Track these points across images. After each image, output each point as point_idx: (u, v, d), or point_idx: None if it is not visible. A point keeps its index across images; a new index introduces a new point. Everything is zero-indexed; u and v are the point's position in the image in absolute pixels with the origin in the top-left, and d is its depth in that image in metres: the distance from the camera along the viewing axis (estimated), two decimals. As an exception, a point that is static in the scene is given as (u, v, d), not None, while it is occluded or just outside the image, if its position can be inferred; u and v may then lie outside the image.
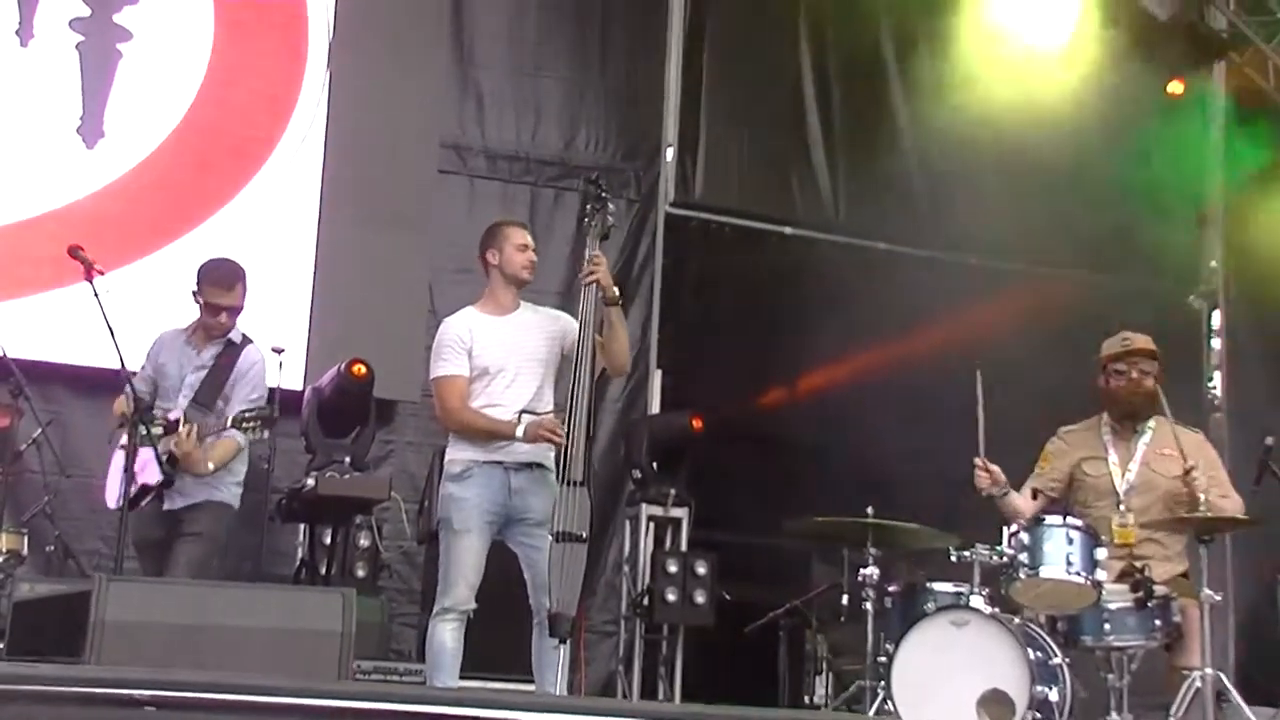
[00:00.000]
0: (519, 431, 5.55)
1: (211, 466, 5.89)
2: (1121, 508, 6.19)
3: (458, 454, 5.71)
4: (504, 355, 5.71)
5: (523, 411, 5.62)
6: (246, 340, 6.21)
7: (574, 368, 5.52)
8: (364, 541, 7.47)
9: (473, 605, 5.56)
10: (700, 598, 8.04)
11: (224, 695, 2.36)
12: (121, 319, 5.79)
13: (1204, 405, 9.31)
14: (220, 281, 6.11)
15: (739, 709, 4.59)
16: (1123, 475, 6.26)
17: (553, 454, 5.66)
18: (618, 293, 5.71)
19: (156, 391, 6.10)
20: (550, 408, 5.70)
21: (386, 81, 8.34)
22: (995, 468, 6.14)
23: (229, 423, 5.83)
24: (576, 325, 5.69)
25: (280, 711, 2.41)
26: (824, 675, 8.05)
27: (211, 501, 5.99)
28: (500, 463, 5.64)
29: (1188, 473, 6.02)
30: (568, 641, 5.37)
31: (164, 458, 5.72)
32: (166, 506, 5.95)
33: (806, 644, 8.22)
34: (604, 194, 5.77)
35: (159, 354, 6.18)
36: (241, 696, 2.37)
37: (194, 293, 6.12)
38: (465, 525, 5.59)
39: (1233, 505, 6.09)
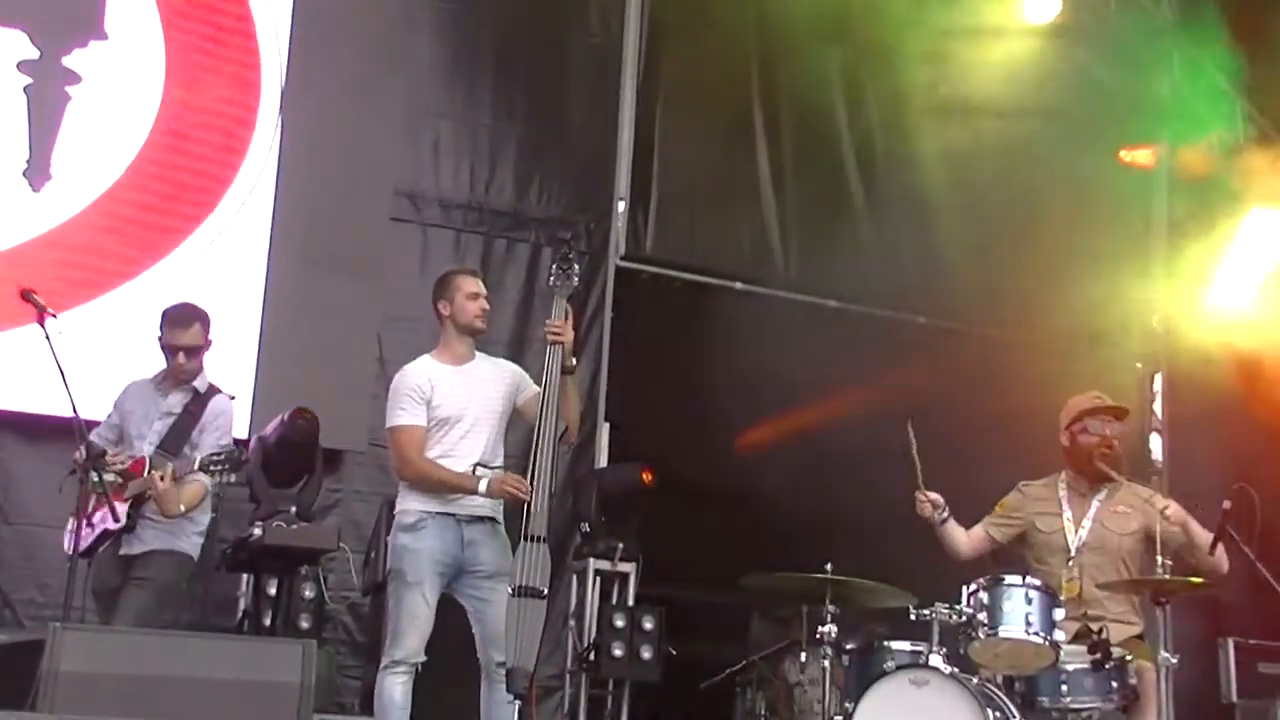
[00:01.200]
0: (481, 487, 5.52)
1: (183, 508, 5.80)
2: (1070, 564, 6.22)
3: (410, 504, 5.69)
4: (463, 405, 5.71)
5: (478, 464, 5.61)
6: (215, 390, 6.15)
7: (538, 424, 5.50)
8: (308, 593, 7.37)
9: (423, 658, 5.54)
10: (647, 653, 7.98)
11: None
12: (66, 363, 5.72)
13: (1146, 468, 9.40)
14: (177, 321, 6.07)
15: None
16: (1075, 532, 6.30)
17: (501, 507, 5.65)
18: (574, 362, 5.74)
19: (121, 439, 6.02)
20: (502, 460, 5.69)
21: (339, 129, 8.29)
22: (934, 495, 6.32)
23: (195, 465, 5.74)
24: (527, 378, 5.75)
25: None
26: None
27: (171, 550, 5.89)
28: (453, 515, 5.64)
29: (1163, 512, 6.07)
30: (522, 697, 5.32)
31: (127, 500, 5.62)
32: (124, 551, 5.84)
33: (748, 701, 8.21)
34: (571, 255, 5.79)
35: (125, 401, 6.12)
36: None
37: (158, 338, 6.07)
38: (418, 577, 5.57)
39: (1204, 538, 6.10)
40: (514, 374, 5.87)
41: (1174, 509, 6.24)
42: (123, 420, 6.08)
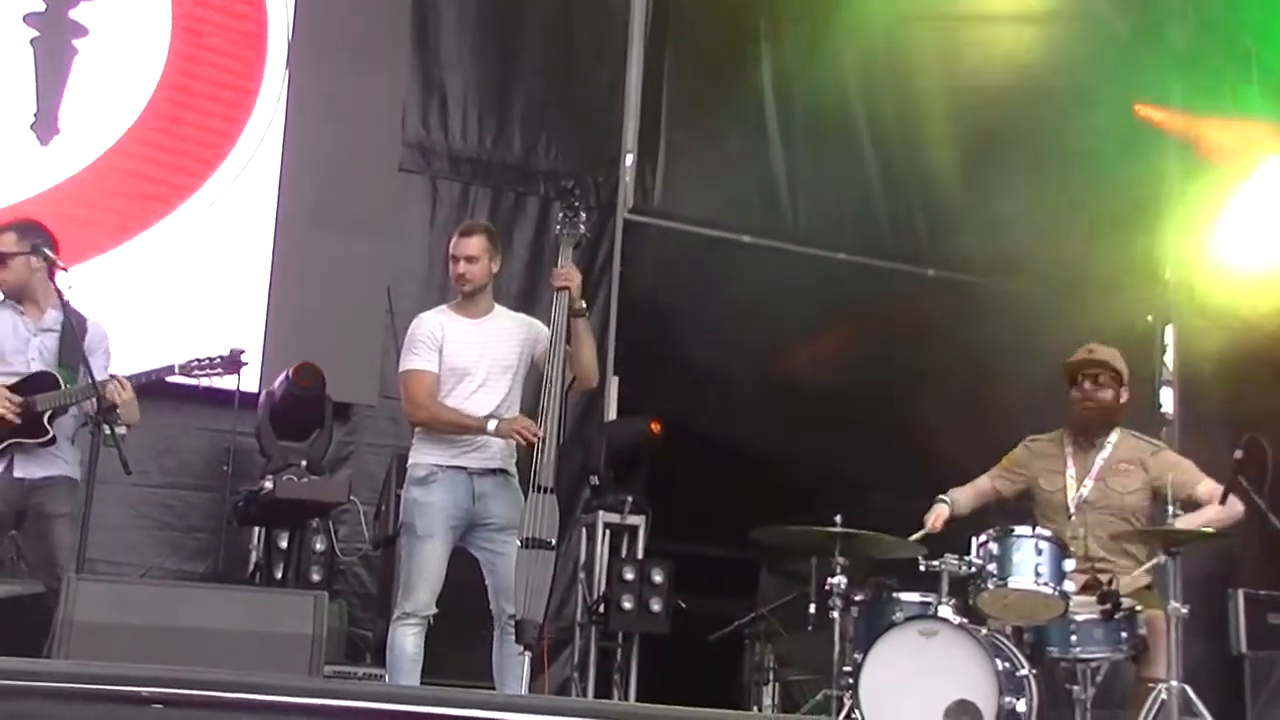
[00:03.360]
0: (490, 426, 5.51)
1: (137, 419, 5.70)
2: (1073, 521, 6.22)
3: (421, 458, 5.68)
4: (474, 359, 5.69)
5: (490, 416, 5.60)
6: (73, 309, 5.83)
7: (545, 375, 5.49)
8: (319, 545, 7.41)
9: (434, 610, 5.54)
10: (656, 606, 8.00)
11: (233, 694, 2.29)
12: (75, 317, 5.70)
13: (1155, 421, 9.38)
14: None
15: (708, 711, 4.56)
16: (1077, 490, 6.30)
17: (514, 460, 5.65)
18: (584, 305, 5.70)
19: None
20: (517, 414, 5.67)
21: (347, 81, 8.25)
22: (937, 516, 6.35)
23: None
24: (546, 331, 5.68)
25: (291, 711, 2.35)
26: (770, 685, 8.07)
27: (66, 477, 5.66)
28: (464, 468, 5.62)
29: (1155, 494, 6.08)
30: (533, 648, 5.33)
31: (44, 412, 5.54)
32: (19, 474, 5.62)
33: (756, 654, 8.24)
34: (577, 203, 5.76)
35: None
36: (251, 695, 2.30)
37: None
38: (429, 530, 5.57)
39: (1206, 489, 6.12)
40: (531, 327, 5.84)
41: (1164, 456, 6.31)
42: None
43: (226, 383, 6.30)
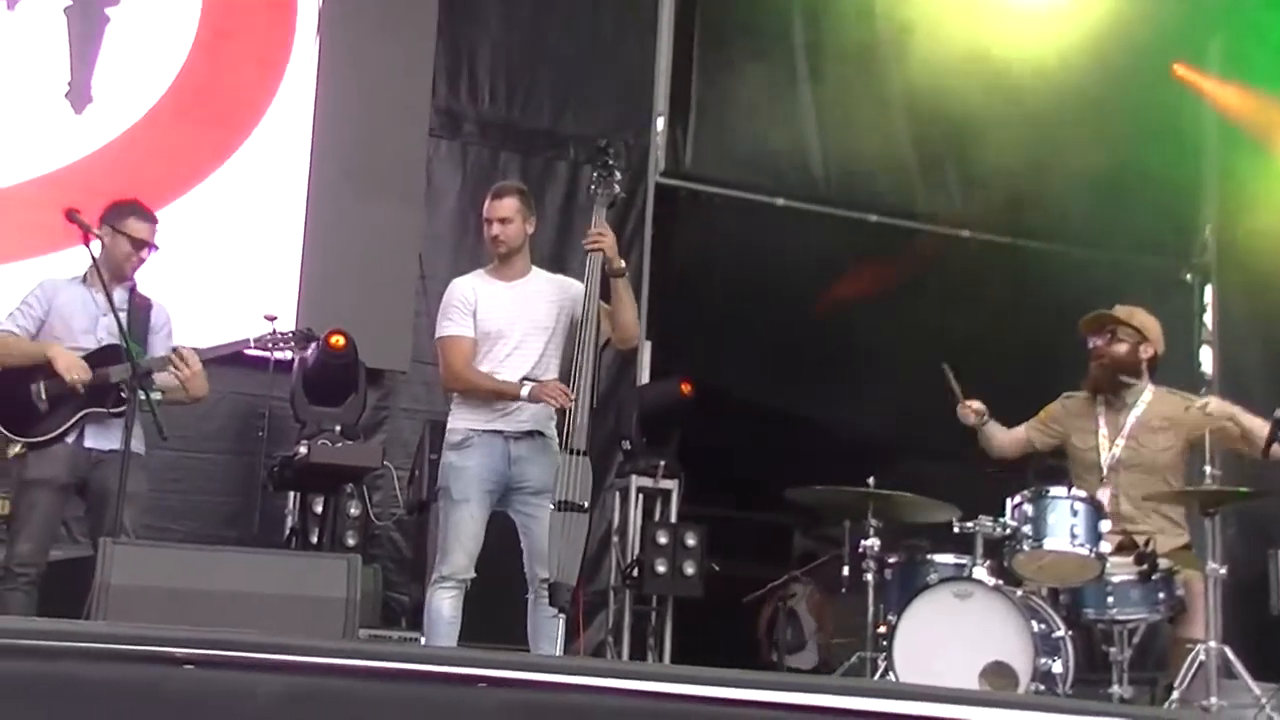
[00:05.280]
0: (524, 391, 5.50)
1: (205, 391, 5.83)
2: (1104, 481, 6.19)
3: (458, 422, 5.68)
4: (507, 321, 5.67)
5: (525, 379, 5.58)
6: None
7: (578, 336, 5.47)
8: (354, 510, 7.43)
9: (471, 574, 5.53)
10: (690, 569, 8.00)
11: (266, 656, 2.30)
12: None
13: (1194, 380, 9.32)
14: (147, 216, 5.97)
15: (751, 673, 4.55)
16: (1109, 449, 6.25)
17: (553, 422, 5.63)
18: (623, 264, 5.64)
19: (39, 334, 5.80)
20: (554, 377, 5.65)
21: (377, 47, 8.23)
22: (976, 403, 6.42)
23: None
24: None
25: (325, 672, 2.36)
26: (804, 648, 8.09)
27: (136, 454, 5.67)
28: (501, 431, 5.61)
29: (1204, 409, 6.04)
30: (566, 611, 5.33)
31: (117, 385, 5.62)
32: (89, 444, 5.70)
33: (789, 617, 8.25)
34: (611, 162, 5.68)
35: (55, 296, 5.86)
36: (285, 657, 2.31)
37: (112, 226, 5.87)
38: (464, 494, 5.56)
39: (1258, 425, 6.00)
40: (570, 288, 5.76)
41: (1215, 404, 6.19)
42: (52, 315, 5.83)
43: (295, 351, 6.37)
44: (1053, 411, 6.51)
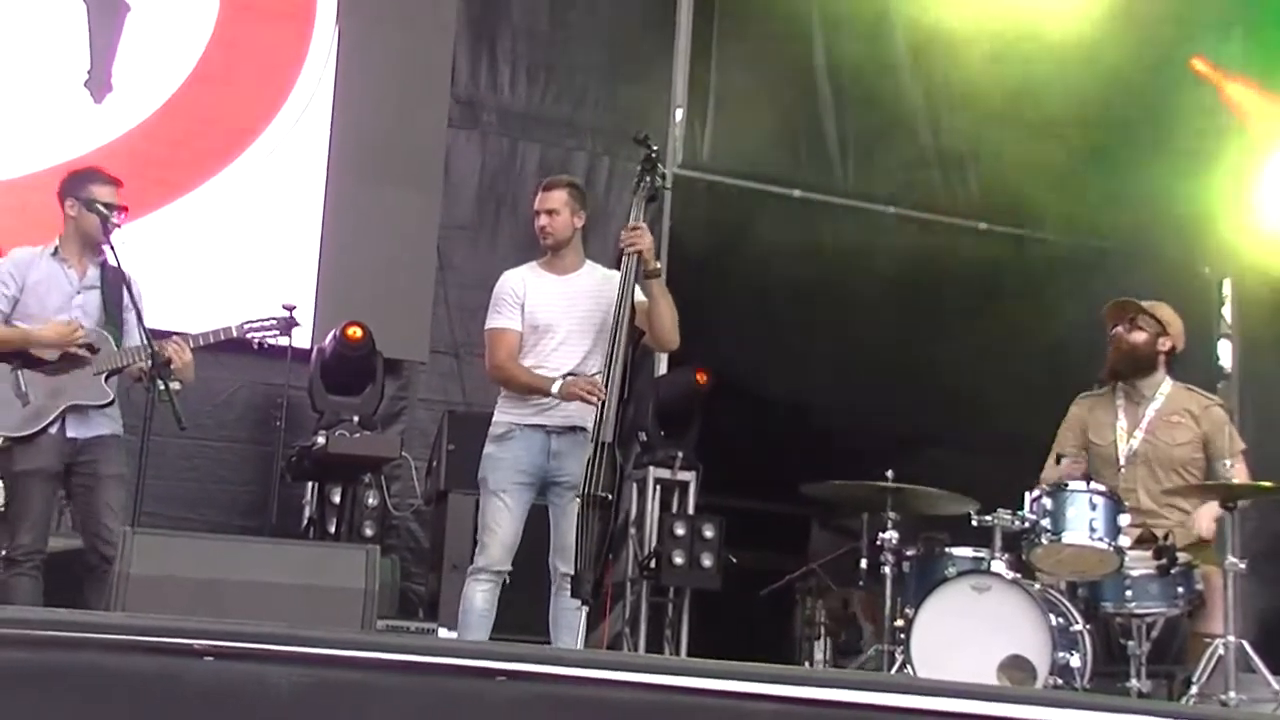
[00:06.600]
0: (554, 389, 5.48)
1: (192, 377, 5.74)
2: (1121, 475, 6.17)
3: (502, 415, 5.65)
4: (555, 315, 5.63)
5: (569, 374, 5.55)
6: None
7: (611, 331, 5.42)
8: (372, 500, 7.44)
9: (507, 567, 5.50)
10: (707, 561, 7.98)
11: (285, 647, 2.30)
12: (130, 273, 5.70)
13: (1213, 375, 9.29)
14: (111, 180, 5.77)
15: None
16: (1127, 442, 6.24)
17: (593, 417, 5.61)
18: (659, 266, 5.57)
19: (12, 314, 5.66)
20: (598, 372, 5.57)
21: (397, 37, 8.26)
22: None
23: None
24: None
25: (343, 664, 2.36)
26: (822, 640, 8.07)
27: (114, 435, 5.66)
28: (542, 425, 5.58)
29: (1206, 445, 6.02)
30: (588, 602, 5.32)
31: (102, 375, 5.57)
32: (71, 434, 5.61)
33: (807, 609, 8.24)
34: (654, 155, 5.56)
35: (28, 273, 5.70)
36: (303, 649, 2.31)
37: (80, 198, 5.70)
38: (499, 486, 5.53)
39: (1238, 470, 6.05)
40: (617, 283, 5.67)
41: (1216, 412, 6.20)
42: (26, 294, 5.66)
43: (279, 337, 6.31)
44: (1068, 417, 6.46)
